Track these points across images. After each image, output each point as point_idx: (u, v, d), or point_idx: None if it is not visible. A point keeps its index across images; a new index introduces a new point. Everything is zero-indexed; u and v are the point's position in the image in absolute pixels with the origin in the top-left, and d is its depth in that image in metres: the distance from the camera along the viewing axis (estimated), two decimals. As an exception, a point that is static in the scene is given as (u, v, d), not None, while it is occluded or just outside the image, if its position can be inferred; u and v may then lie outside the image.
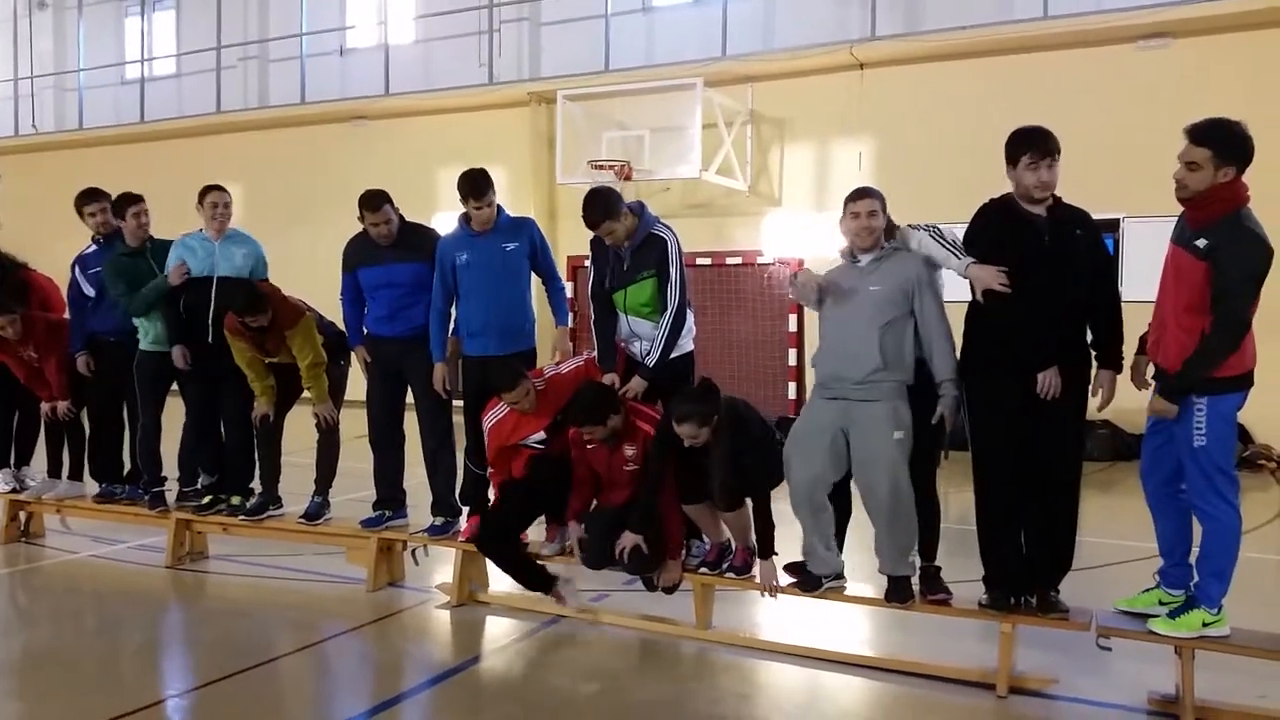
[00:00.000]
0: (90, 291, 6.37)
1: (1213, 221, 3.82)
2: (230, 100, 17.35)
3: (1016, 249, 4.16)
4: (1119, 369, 4.21)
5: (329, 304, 6.02)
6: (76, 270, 6.45)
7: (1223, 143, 3.81)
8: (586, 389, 4.94)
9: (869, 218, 4.43)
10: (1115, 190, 10.10)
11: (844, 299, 4.49)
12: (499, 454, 5.19)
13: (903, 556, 4.48)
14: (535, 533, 5.46)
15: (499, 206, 5.42)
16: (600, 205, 4.99)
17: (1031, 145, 4.12)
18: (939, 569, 4.57)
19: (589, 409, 4.80)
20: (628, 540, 4.79)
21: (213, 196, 6.09)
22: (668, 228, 5.14)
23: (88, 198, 6.45)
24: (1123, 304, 4.28)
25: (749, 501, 4.75)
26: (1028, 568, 4.33)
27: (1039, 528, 4.29)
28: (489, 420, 5.20)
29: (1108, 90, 11.07)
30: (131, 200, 6.25)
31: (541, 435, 5.13)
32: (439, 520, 5.70)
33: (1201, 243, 3.82)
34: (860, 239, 4.47)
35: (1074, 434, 4.24)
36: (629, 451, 4.89)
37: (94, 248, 6.46)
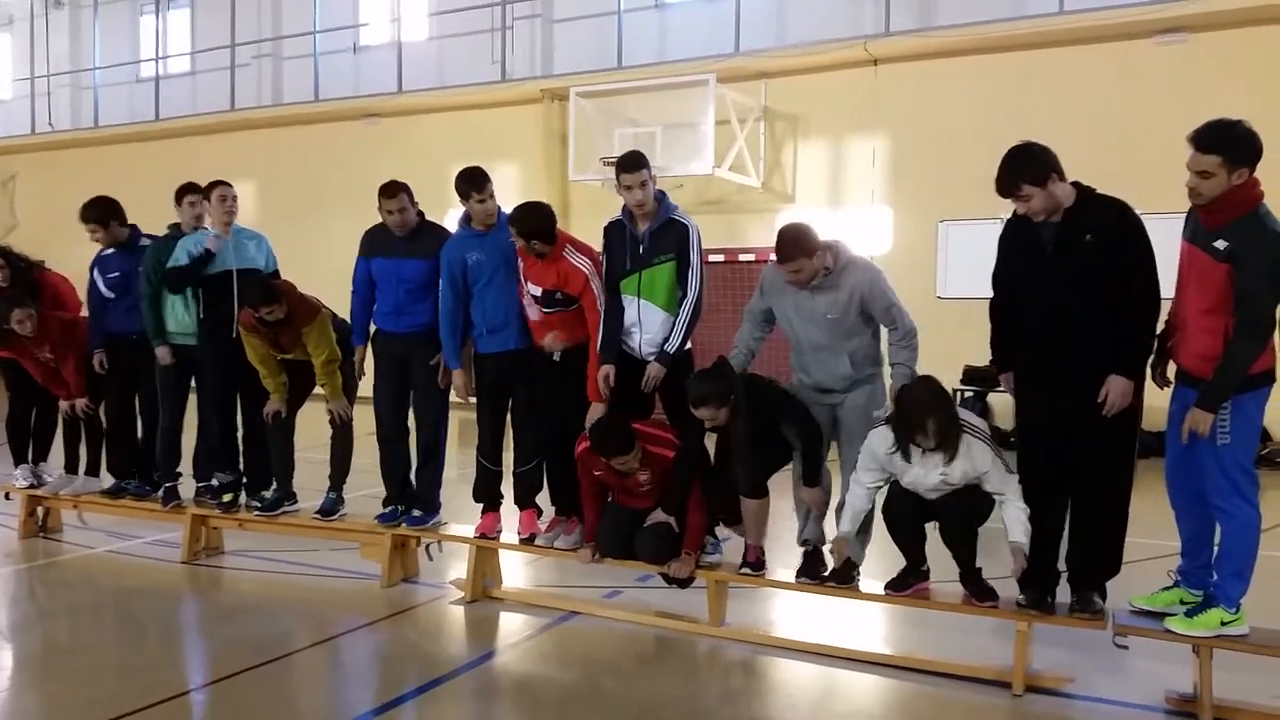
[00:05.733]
0: (109, 294, 6.38)
1: (1231, 222, 3.76)
2: (244, 98, 17.43)
3: (1020, 262, 4.22)
4: (1129, 374, 4.05)
5: (342, 300, 6.01)
6: (95, 273, 6.45)
7: (1232, 146, 3.73)
8: (608, 421, 4.92)
9: (794, 274, 4.59)
10: (1132, 187, 9.79)
11: (802, 318, 4.68)
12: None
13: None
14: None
15: (496, 205, 5.41)
16: (641, 155, 5.04)
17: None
18: (979, 569, 4.51)
19: (619, 439, 4.75)
20: (660, 516, 4.87)
21: (220, 190, 6.09)
22: (687, 216, 5.14)
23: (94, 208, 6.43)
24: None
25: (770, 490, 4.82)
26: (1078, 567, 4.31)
27: (1077, 529, 4.27)
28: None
29: (1125, 86, 11.00)
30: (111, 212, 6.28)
31: (538, 292, 5.15)
32: (417, 513, 5.75)
33: (1221, 245, 3.76)
34: (800, 285, 4.63)
35: (1108, 438, 4.12)
36: (643, 477, 4.89)
37: (112, 250, 6.46)
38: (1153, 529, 5.01)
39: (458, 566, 5.76)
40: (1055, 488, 4.25)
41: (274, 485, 6.23)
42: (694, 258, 5.03)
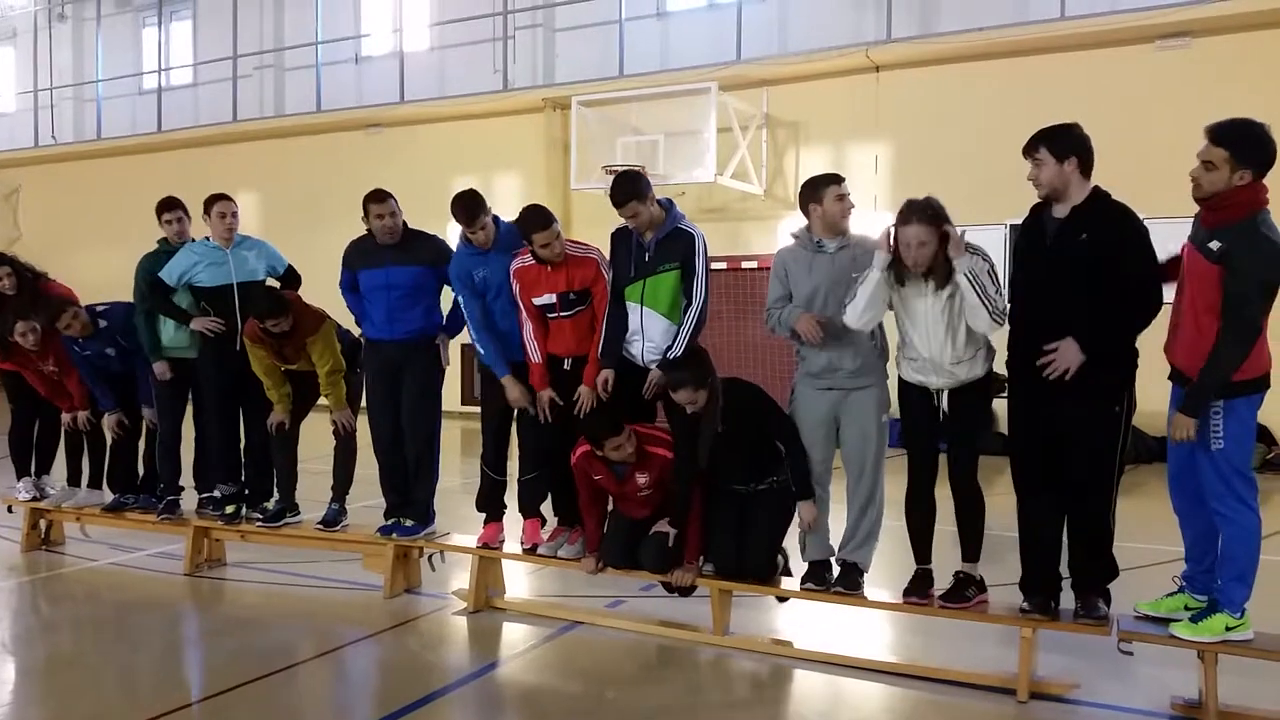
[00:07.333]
0: (95, 353, 6.34)
1: (1228, 224, 3.76)
2: (246, 109, 17.48)
3: (1026, 258, 4.26)
4: (1087, 345, 3.94)
5: (346, 311, 6.03)
6: (76, 349, 6.31)
7: (1242, 144, 3.74)
8: (593, 411, 4.95)
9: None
10: (1134, 192, 9.81)
11: (827, 280, 4.61)
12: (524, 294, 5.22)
13: (864, 544, 4.70)
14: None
15: (495, 216, 5.38)
16: (629, 185, 4.98)
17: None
18: (970, 577, 4.49)
19: (607, 422, 4.75)
20: (663, 526, 4.88)
21: (220, 206, 6.10)
22: (694, 226, 5.14)
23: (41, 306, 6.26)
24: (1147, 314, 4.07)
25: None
26: (1077, 571, 4.28)
27: (1073, 532, 4.26)
28: (516, 263, 5.18)
29: (1127, 91, 11.00)
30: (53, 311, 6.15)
31: (553, 299, 5.13)
32: (408, 523, 5.74)
33: (1215, 245, 3.76)
34: (846, 222, 4.64)
35: (1092, 440, 4.10)
36: (641, 479, 4.88)
37: (80, 340, 6.29)
38: (1156, 534, 5.01)
39: (460, 577, 5.75)
40: (1048, 489, 4.23)
41: (276, 496, 6.23)
42: (700, 266, 5.03)
